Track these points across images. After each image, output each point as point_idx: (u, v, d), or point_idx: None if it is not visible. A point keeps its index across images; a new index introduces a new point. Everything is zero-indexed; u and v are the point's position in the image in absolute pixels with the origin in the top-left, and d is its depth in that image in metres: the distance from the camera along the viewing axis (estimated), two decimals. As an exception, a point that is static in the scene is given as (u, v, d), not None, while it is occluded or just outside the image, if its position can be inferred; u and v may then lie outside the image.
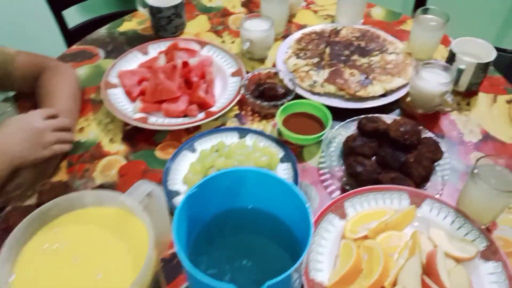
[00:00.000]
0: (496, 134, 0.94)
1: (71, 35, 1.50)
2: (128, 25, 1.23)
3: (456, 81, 0.98)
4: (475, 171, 0.71)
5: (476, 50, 1.00)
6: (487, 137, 0.93)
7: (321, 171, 0.87)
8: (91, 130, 0.95)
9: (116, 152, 0.91)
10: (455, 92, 1.01)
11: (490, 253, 0.70)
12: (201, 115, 0.94)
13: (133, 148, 0.91)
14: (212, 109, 0.95)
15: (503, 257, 0.69)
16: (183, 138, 0.93)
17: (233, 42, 1.17)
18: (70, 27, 1.50)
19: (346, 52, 1.07)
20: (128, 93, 0.98)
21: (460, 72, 0.97)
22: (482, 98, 1.01)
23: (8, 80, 0.92)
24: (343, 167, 0.86)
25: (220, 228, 0.62)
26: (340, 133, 0.92)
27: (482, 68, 0.97)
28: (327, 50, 1.09)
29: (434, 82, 0.91)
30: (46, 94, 0.89)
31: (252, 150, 0.86)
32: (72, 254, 0.53)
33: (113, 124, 0.96)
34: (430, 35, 1.04)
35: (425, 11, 1.07)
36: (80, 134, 0.94)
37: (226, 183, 0.59)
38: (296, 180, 0.82)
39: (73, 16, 1.58)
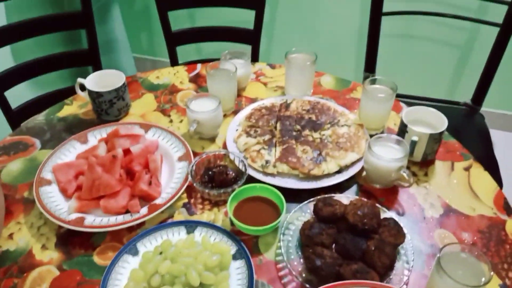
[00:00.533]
0: (457, 206, 0.90)
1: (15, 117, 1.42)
2: (69, 109, 1.16)
3: (411, 153, 0.95)
4: (441, 263, 0.66)
5: (427, 118, 0.99)
6: (449, 210, 0.89)
7: (279, 265, 0.80)
8: (21, 236, 0.84)
9: (49, 261, 0.80)
10: (411, 163, 0.98)
11: None
12: (144, 210, 0.86)
13: (67, 255, 0.81)
14: (157, 201, 0.87)
15: None
16: (125, 237, 0.84)
17: (181, 121, 1.12)
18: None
19: (297, 127, 1.04)
20: (63, 190, 0.89)
21: (413, 144, 0.94)
22: (439, 167, 0.99)
23: None
24: (302, 260, 0.79)
25: None
26: (297, 217, 0.86)
27: (436, 138, 0.94)
28: (278, 125, 1.05)
29: (388, 158, 0.88)
30: None
31: (201, 249, 0.78)
32: None
33: (46, 226, 0.86)
34: (380, 107, 1.03)
35: (373, 82, 1.05)
36: (9, 242, 0.83)
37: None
38: (251, 281, 0.74)
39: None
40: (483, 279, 0.65)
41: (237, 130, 1.05)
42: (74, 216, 0.84)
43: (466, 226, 0.86)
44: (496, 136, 2.00)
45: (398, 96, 1.51)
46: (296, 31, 2.28)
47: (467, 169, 0.98)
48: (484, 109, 1.68)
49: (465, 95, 1.72)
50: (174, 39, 1.71)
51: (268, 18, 2.24)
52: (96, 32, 1.55)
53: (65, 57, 1.57)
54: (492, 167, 1.43)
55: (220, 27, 1.71)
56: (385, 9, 1.56)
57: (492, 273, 0.65)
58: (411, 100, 1.67)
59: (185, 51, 1.91)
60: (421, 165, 0.99)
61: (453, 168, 0.99)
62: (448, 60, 2.13)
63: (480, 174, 0.97)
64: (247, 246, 0.81)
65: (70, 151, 0.98)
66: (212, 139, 1.06)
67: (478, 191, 0.93)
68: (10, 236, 0.85)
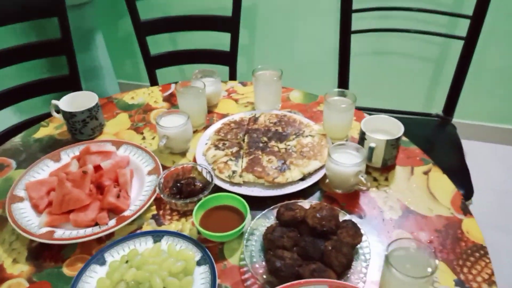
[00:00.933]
0: (416, 208, 0.94)
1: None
2: (45, 131, 1.20)
3: (370, 159, 1.00)
4: (388, 257, 0.69)
5: (386, 126, 1.03)
6: (407, 212, 0.93)
7: (242, 269, 0.83)
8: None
9: (19, 274, 0.83)
10: (372, 169, 1.03)
11: None
12: (113, 221, 0.89)
13: (37, 268, 0.83)
14: (125, 213, 0.90)
15: None
16: (94, 249, 0.86)
17: (153, 138, 1.16)
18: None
19: (264, 139, 1.08)
20: (35, 206, 0.92)
21: (371, 150, 0.98)
22: (400, 172, 1.03)
23: None
24: (264, 263, 0.82)
25: None
26: (261, 224, 0.89)
27: (393, 144, 0.99)
28: (246, 138, 1.09)
29: (346, 163, 0.92)
30: None
31: (166, 256, 0.81)
32: None
33: (18, 242, 0.89)
34: (341, 116, 1.07)
35: (335, 94, 1.10)
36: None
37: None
38: (214, 284, 0.77)
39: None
40: (429, 270, 0.68)
41: (206, 143, 1.09)
42: (45, 230, 0.87)
43: (423, 226, 0.89)
44: (468, 145, 2.05)
45: (369, 110, 1.57)
46: (274, 52, 2.35)
47: (426, 173, 1.02)
48: (456, 120, 1.73)
49: (437, 107, 1.78)
50: (153, 62, 1.77)
51: (247, 41, 2.32)
52: (75, 58, 1.61)
53: (46, 83, 1.62)
54: (463, 176, 1.48)
55: (197, 50, 1.77)
56: (355, 27, 1.63)
57: (437, 262, 0.68)
58: (383, 113, 1.73)
59: (168, 74, 1.97)
60: (381, 170, 1.03)
61: (412, 172, 1.03)
62: (420, 74, 2.20)
63: (438, 177, 1.01)
64: (213, 253, 0.84)
65: (44, 169, 1.02)
66: (183, 154, 1.10)
67: (436, 193, 0.97)
68: None
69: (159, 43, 1.91)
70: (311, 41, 2.26)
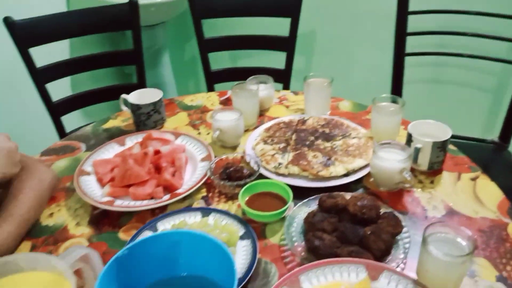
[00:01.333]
0: (460, 209, 0.93)
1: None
2: (113, 122, 1.33)
3: (415, 160, 1.01)
4: (426, 238, 0.71)
5: (434, 131, 1.05)
6: (451, 212, 0.93)
7: (282, 248, 0.86)
8: (60, 216, 0.97)
9: (81, 234, 0.92)
10: (418, 172, 1.04)
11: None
12: (167, 196, 0.96)
13: (97, 231, 0.92)
14: (178, 191, 0.98)
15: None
16: (148, 220, 0.94)
17: (208, 134, 1.24)
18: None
19: (311, 138, 1.13)
20: (100, 180, 1.02)
21: (417, 150, 1.00)
22: (446, 177, 1.03)
23: None
24: (303, 243, 0.85)
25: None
26: (302, 210, 0.93)
27: (440, 147, 1.00)
28: (294, 136, 1.15)
29: (391, 160, 0.94)
30: (12, 194, 0.90)
31: (212, 228, 0.86)
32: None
33: (82, 209, 0.98)
34: (389, 120, 1.10)
35: (383, 99, 1.14)
36: (49, 219, 0.96)
37: (160, 249, 0.60)
38: (254, 256, 0.81)
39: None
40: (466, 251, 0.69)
41: (255, 139, 1.16)
42: (106, 199, 0.96)
43: (467, 225, 0.89)
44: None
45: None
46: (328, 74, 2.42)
47: (474, 179, 1.02)
48: (514, 147, 1.69)
49: (492, 133, 1.75)
50: (213, 77, 1.89)
51: (302, 63, 2.41)
52: (144, 68, 1.77)
53: (117, 89, 1.79)
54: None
55: (254, 68, 1.88)
56: (410, 50, 1.67)
57: (473, 245, 0.69)
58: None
59: (226, 88, 2.09)
60: (428, 174, 1.04)
61: (459, 178, 1.03)
62: (475, 101, 2.17)
63: (486, 184, 1.00)
64: (256, 232, 0.88)
65: (109, 151, 1.13)
66: (234, 148, 1.17)
67: (482, 198, 0.96)
68: (50, 215, 0.97)
69: (219, 60, 2.04)
70: (366, 67, 2.31)
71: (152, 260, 0.58)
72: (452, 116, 2.25)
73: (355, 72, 2.35)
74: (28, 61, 1.54)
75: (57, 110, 1.64)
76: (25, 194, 0.91)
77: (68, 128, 1.64)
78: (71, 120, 1.72)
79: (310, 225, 0.86)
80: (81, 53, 1.69)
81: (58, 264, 0.56)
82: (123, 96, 1.28)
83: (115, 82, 2.02)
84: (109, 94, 1.77)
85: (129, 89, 1.76)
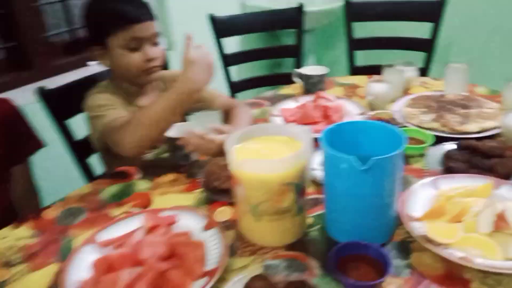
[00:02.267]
0: None
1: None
2: (286, 90, 1.75)
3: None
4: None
5: None
6: None
7: (423, 169, 1.15)
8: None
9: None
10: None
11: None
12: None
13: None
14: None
15: None
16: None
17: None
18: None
19: (450, 106, 1.40)
20: (285, 119, 1.43)
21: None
22: None
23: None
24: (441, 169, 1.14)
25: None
26: (441, 149, 1.21)
27: None
28: (435, 104, 1.43)
29: (520, 117, 1.18)
30: (235, 122, 1.32)
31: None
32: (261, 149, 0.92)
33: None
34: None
35: (517, 80, 1.37)
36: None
37: (352, 132, 0.94)
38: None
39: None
40: None
41: (403, 104, 1.47)
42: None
43: None
44: None
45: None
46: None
47: None
48: None
49: None
50: (357, 71, 2.24)
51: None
52: (301, 60, 2.20)
53: (273, 77, 2.27)
54: None
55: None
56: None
57: None
58: None
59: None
60: (553, 138, 1.23)
61: None
62: None
63: None
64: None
65: (289, 105, 1.54)
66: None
67: None
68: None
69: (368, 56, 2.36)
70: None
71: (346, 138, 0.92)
72: None
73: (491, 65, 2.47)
74: (220, 48, 2.08)
75: (234, 87, 2.15)
76: (242, 120, 1.35)
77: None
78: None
79: (448, 156, 1.14)
80: (248, 46, 2.20)
81: (292, 130, 0.94)
82: (297, 70, 1.70)
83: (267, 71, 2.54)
84: (268, 82, 2.26)
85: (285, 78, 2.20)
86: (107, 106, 1.24)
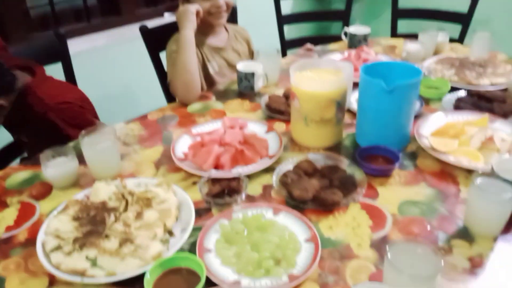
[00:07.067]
0: None
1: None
2: (333, 46, 2.06)
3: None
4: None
5: None
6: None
7: (438, 109, 1.46)
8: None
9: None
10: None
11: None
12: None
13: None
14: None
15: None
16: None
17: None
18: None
19: (470, 65, 1.68)
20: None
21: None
22: None
23: None
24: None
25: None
26: (455, 95, 1.50)
27: None
28: (458, 64, 1.71)
29: None
30: None
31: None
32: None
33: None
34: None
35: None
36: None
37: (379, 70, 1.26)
38: (421, 108, 1.43)
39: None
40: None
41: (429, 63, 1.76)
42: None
43: None
44: None
45: None
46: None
47: None
48: None
49: None
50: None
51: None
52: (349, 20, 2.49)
53: (323, 38, 2.56)
54: None
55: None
56: None
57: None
58: None
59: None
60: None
61: None
62: None
63: None
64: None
65: (335, 56, 1.86)
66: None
67: None
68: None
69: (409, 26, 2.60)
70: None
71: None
72: None
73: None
74: (278, 9, 2.41)
75: (287, 44, 2.49)
76: None
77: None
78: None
79: (459, 100, 1.44)
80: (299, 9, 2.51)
81: (338, 64, 1.27)
82: (345, 29, 2.00)
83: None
84: (317, 41, 2.56)
85: (331, 39, 2.50)
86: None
